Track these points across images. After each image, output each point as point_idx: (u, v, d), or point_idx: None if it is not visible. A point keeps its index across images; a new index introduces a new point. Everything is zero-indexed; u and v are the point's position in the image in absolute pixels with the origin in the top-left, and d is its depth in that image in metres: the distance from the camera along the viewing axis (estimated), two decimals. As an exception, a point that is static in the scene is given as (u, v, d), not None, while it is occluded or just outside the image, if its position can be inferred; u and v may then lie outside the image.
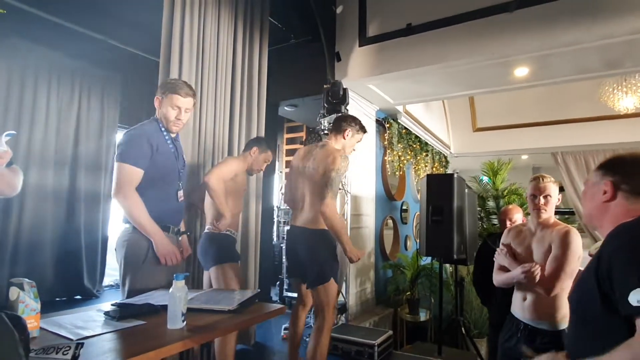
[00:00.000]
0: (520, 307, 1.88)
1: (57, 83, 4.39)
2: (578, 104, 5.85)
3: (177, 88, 1.82)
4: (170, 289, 1.18)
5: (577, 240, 1.78)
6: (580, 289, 1.00)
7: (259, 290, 1.68)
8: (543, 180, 1.88)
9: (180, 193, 1.88)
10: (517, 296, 1.92)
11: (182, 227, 2.08)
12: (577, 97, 5.76)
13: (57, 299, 4.26)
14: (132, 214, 1.67)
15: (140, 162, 1.71)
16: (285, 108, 4.80)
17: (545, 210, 1.84)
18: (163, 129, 1.85)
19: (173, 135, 1.92)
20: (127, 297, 1.62)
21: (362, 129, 2.40)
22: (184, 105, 1.83)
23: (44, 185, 4.22)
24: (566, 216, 7.43)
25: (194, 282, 2.50)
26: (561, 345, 1.34)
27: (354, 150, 2.40)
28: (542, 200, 1.84)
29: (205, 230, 2.29)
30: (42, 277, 4.05)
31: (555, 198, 1.87)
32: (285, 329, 3.27)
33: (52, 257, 4.20)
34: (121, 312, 1.29)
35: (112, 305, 1.36)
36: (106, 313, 1.30)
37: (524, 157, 7.38)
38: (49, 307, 3.95)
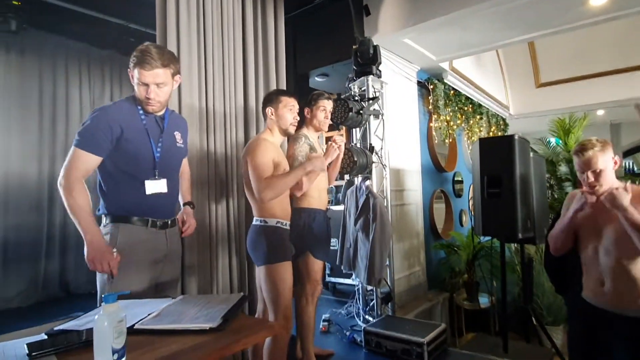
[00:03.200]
0: (600, 292, 1.65)
1: (87, 74, 4.39)
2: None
3: (141, 59, 1.46)
4: (96, 316, 0.83)
5: None
6: None
7: (242, 294, 1.35)
8: (584, 153, 1.61)
9: (150, 184, 1.54)
10: (591, 280, 1.69)
11: (188, 198, 1.85)
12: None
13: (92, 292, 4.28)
14: (70, 206, 1.41)
15: (99, 149, 1.45)
16: (316, 79, 4.39)
17: (601, 185, 1.60)
18: (139, 108, 1.56)
19: (160, 113, 1.62)
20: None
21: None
22: (151, 79, 1.47)
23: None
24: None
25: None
26: None
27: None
28: (590, 177, 1.60)
29: (253, 222, 2.02)
30: (73, 273, 4.01)
31: (609, 166, 1.61)
32: (325, 320, 2.98)
33: (79, 251, 4.20)
34: (37, 348, 0.93)
35: (45, 333, 1.02)
36: (29, 345, 0.95)
37: (600, 112, 6.37)
38: (86, 299, 3.88)
